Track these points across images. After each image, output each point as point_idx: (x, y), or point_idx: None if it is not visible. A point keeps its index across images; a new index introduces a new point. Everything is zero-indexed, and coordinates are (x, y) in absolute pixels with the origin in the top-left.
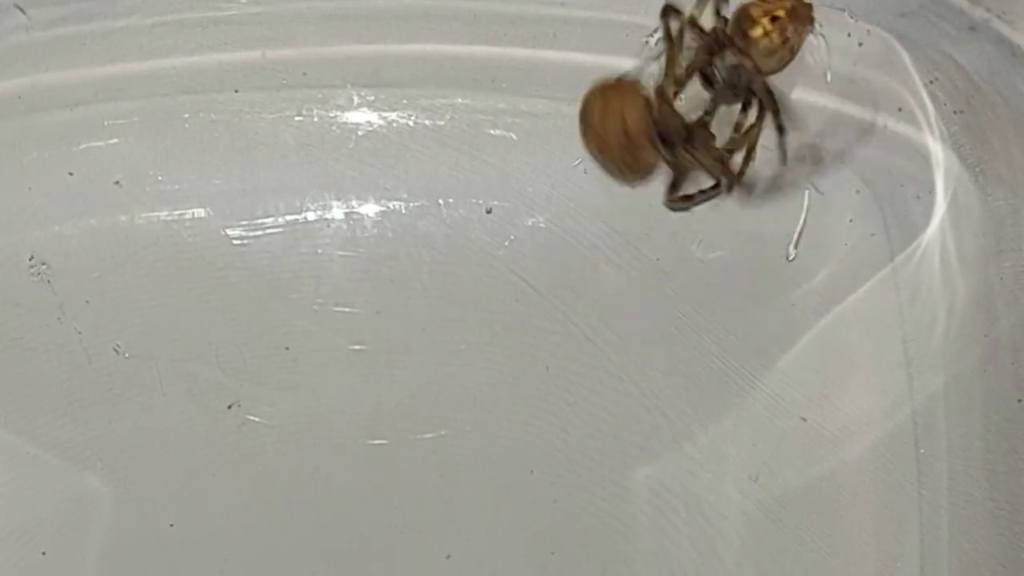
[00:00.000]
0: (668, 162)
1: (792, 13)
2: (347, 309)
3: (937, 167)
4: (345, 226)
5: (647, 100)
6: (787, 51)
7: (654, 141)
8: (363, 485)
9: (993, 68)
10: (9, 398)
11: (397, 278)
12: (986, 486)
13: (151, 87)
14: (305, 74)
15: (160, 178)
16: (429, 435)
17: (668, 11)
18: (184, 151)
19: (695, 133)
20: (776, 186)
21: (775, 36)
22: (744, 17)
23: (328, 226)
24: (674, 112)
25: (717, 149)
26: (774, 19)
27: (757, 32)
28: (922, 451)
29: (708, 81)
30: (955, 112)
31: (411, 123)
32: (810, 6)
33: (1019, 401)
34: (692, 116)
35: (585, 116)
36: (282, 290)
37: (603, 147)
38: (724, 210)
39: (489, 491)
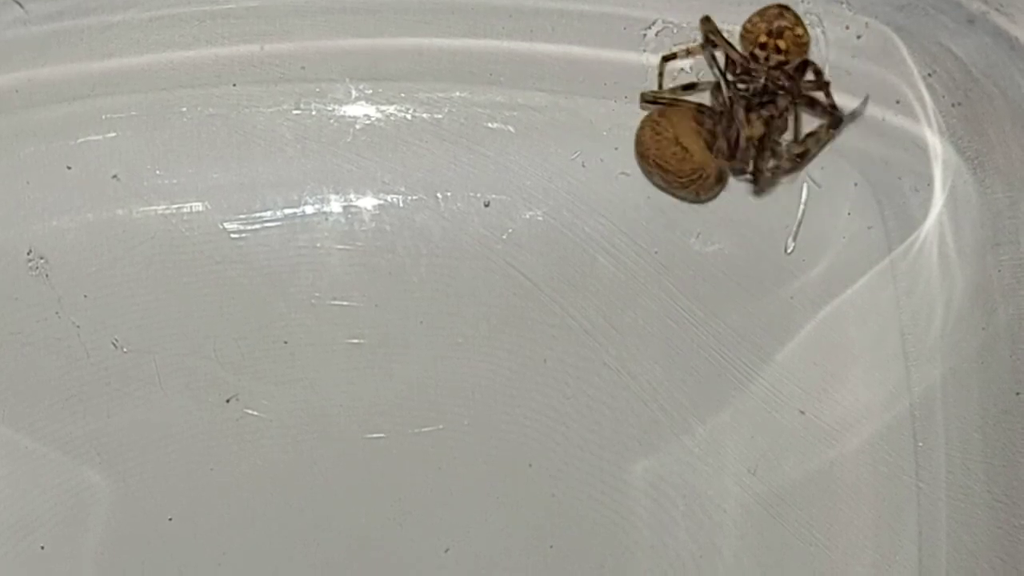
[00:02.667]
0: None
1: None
2: (345, 303)
3: (935, 160)
4: (343, 220)
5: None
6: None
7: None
8: (361, 479)
9: (991, 61)
10: (7, 392)
11: (395, 271)
12: (984, 478)
13: (148, 81)
14: (303, 68)
15: (158, 172)
16: (427, 429)
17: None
18: (182, 145)
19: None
20: (775, 179)
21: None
22: (758, 35)
23: (326, 220)
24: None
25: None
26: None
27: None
28: (920, 444)
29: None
30: (953, 105)
31: (409, 116)
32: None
33: (1017, 394)
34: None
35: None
36: (280, 284)
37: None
38: (723, 203)
39: (487, 485)
